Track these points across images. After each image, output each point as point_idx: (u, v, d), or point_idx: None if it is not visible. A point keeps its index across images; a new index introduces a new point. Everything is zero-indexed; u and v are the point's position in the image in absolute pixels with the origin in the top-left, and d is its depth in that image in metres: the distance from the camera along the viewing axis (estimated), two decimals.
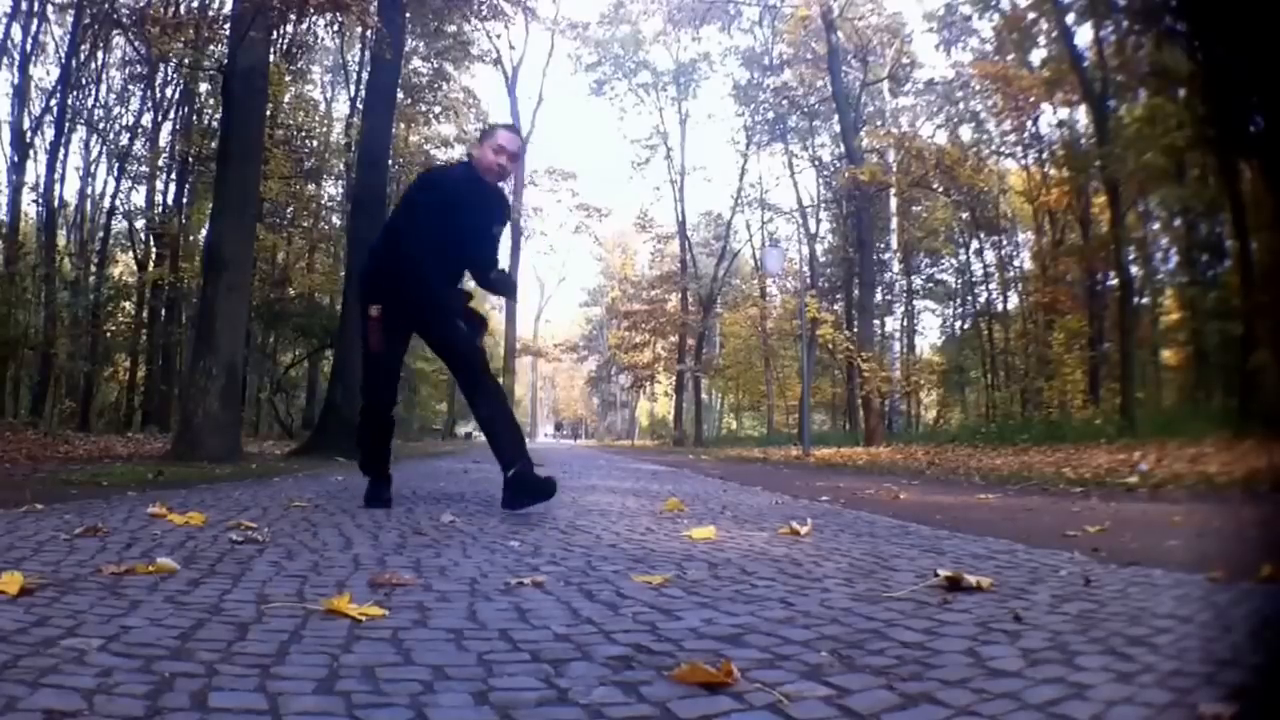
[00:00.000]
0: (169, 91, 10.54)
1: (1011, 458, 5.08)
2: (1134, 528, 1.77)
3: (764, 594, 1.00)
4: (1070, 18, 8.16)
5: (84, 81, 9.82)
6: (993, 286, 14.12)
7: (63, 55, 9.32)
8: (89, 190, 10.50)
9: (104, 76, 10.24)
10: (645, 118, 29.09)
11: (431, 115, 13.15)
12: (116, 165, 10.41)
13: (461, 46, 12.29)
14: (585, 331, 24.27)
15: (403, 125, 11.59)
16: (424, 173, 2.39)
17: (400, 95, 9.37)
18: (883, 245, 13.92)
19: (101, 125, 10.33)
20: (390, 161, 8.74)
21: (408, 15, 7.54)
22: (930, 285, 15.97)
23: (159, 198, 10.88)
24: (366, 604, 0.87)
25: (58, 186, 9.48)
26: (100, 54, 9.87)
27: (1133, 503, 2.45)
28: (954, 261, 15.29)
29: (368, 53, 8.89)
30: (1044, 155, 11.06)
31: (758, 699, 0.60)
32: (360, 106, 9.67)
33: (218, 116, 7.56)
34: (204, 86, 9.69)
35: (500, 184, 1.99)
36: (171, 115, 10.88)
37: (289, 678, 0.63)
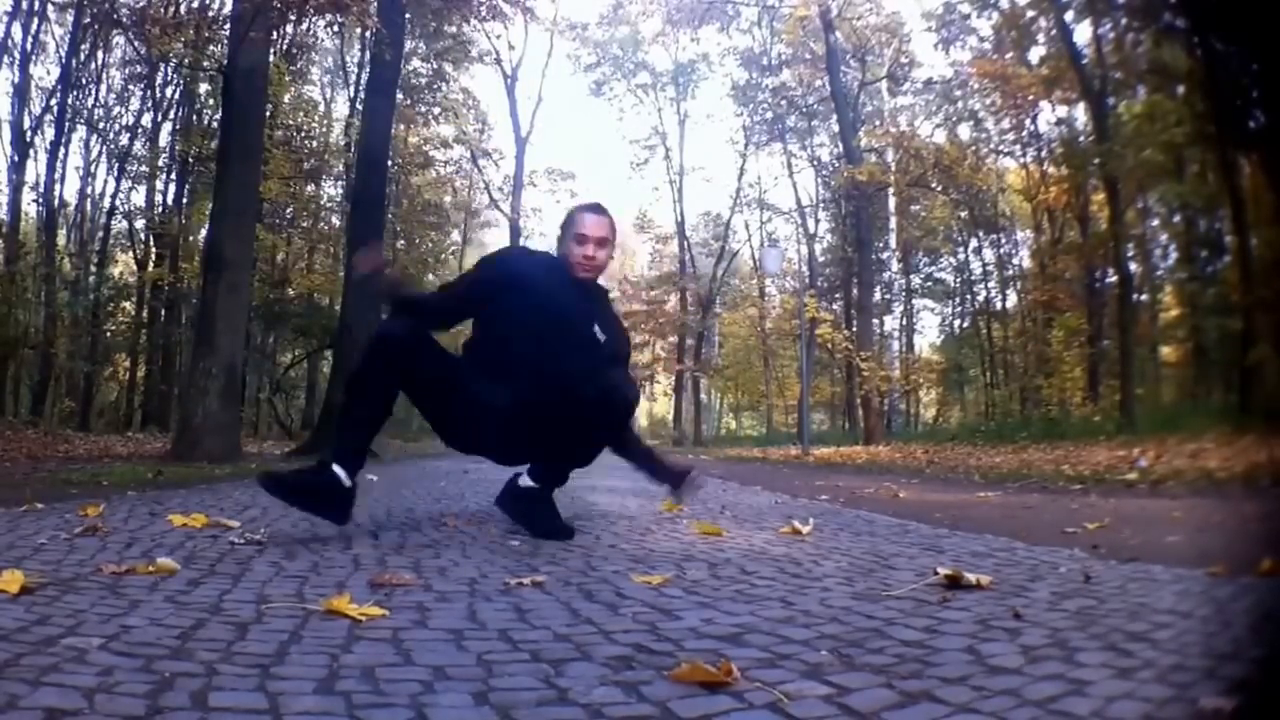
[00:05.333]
0: (169, 91, 10.53)
1: (1011, 455, 5.09)
2: (1133, 524, 1.76)
3: (764, 593, 1.00)
4: (1069, 15, 8.17)
5: (84, 81, 9.80)
6: (992, 285, 14.14)
7: (63, 55, 9.30)
8: (89, 190, 10.51)
9: (104, 76, 10.24)
10: (644, 118, 29.05)
11: (431, 116, 13.14)
12: (117, 165, 10.40)
13: (461, 47, 12.28)
14: None
15: (402, 126, 11.57)
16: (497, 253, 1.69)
17: (400, 96, 9.36)
18: (881, 244, 13.92)
19: (102, 125, 10.32)
20: (390, 162, 8.73)
21: (407, 15, 7.53)
22: (929, 284, 15.97)
23: (159, 198, 10.87)
24: (366, 604, 0.87)
25: (58, 186, 9.48)
26: (100, 54, 9.86)
27: (1132, 499, 2.45)
28: (953, 260, 15.30)
29: (367, 53, 8.88)
30: (1043, 153, 11.07)
31: (758, 698, 0.60)
32: (360, 107, 9.66)
33: (218, 117, 7.54)
34: (204, 87, 9.67)
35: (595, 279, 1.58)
36: (172, 115, 10.86)
37: (289, 678, 0.63)
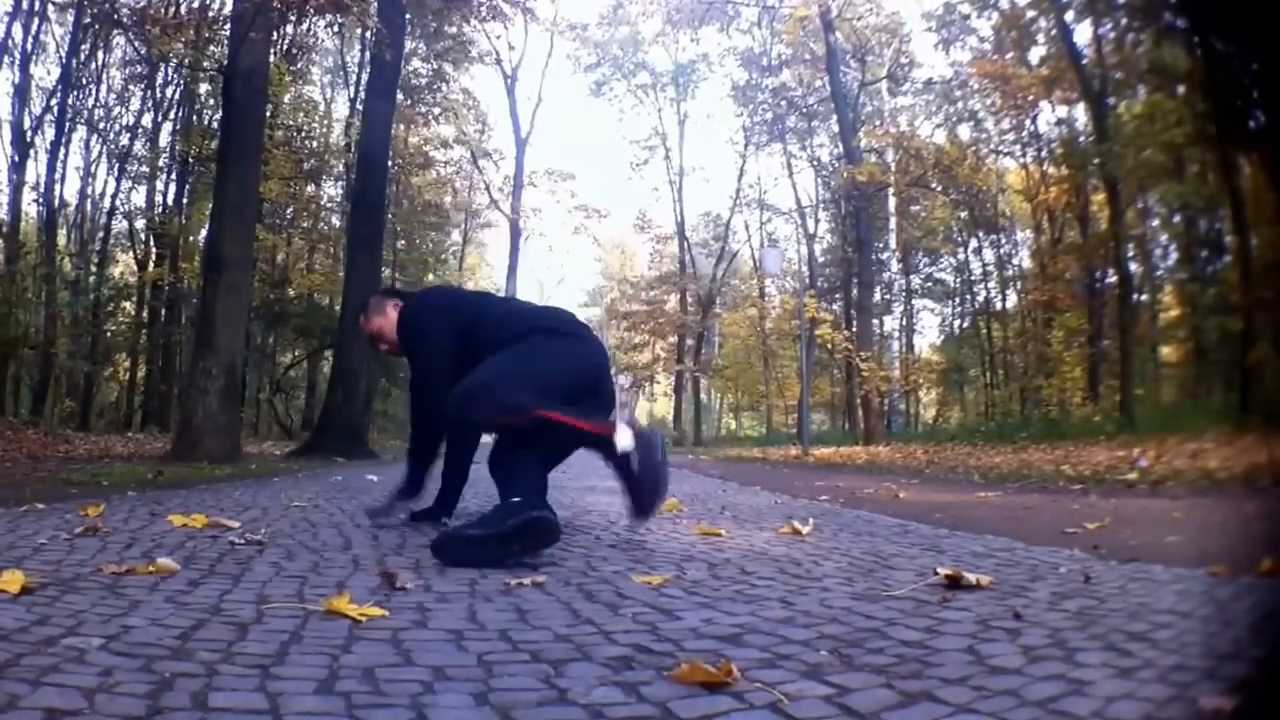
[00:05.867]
0: (169, 92, 10.54)
1: (1011, 456, 5.09)
2: (1134, 524, 1.77)
3: (764, 594, 1.00)
4: (1069, 15, 8.18)
5: (84, 81, 9.80)
6: (991, 285, 14.13)
7: (63, 55, 9.30)
8: (89, 190, 10.51)
9: (104, 76, 10.24)
10: (644, 118, 29.18)
11: (431, 116, 13.16)
12: (117, 165, 10.41)
13: (461, 47, 12.30)
14: None
15: (402, 126, 11.59)
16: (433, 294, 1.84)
17: (400, 96, 9.37)
18: (881, 245, 13.92)
19: (102, 125, 10.32)
20: (390, 162, 8.74)
21: (407, 16, 7.54)
22: (929, 284, 15.97)
23: (159, 198, 10.88)
24: (366, 604, 0.87)
25: (58, 186, 9.47)
26: (101, 54, 9.86)
27: (1132, 499, 2.45)
28: (953, 260, 15.29)
29: (368, 53, 8.89)
30: (1043, 153, 11.07)
31: (758, 698, 0.60)
32: (360, 107, 9.67)
33: (218, 117, 7.55)
34: (204, 87, 9.68)
35: None
36: (172, 115, 10.87)
37: (289, 678, 0.63)
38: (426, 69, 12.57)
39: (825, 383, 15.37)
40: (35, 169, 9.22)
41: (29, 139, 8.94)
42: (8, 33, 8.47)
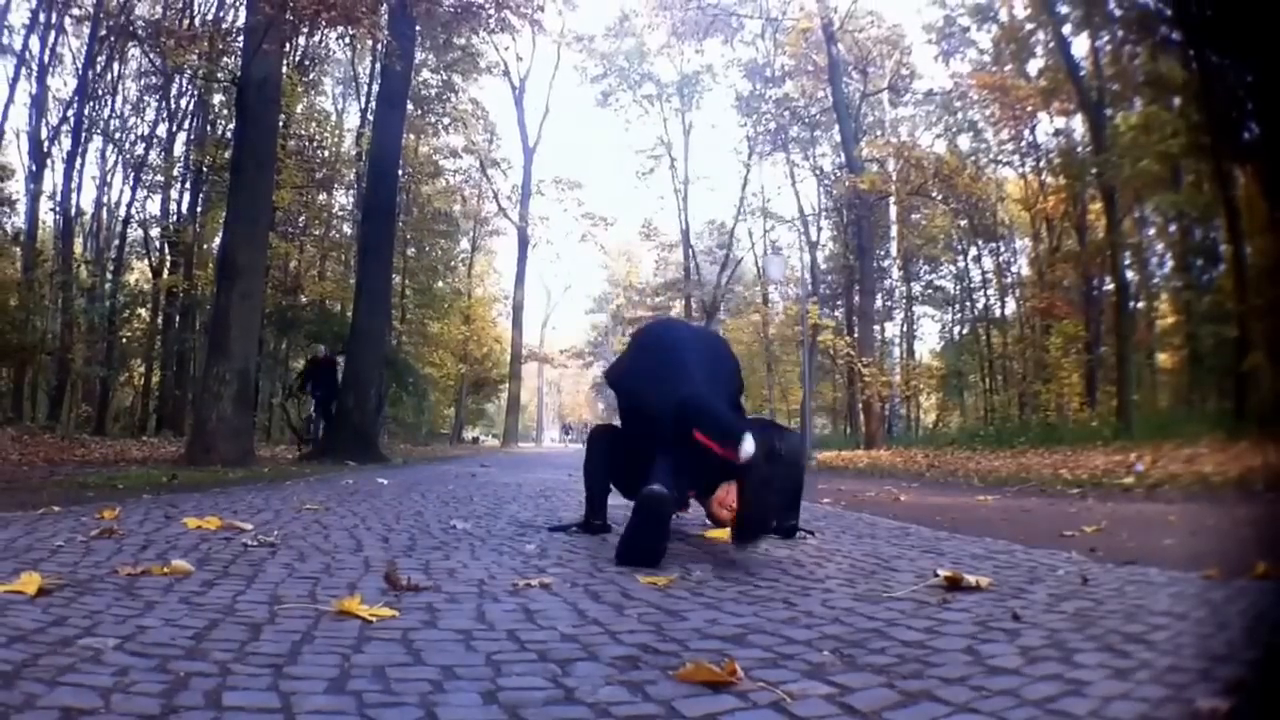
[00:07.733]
0: (184, 102, 10.70)
1: (1010, 460, 5.08)
2: (1130, 527, 1.77)
3: (767, 594, 1.01)
4: (1067, 28, 8.26)
5: (100, 92, 9.97)
6: (991, 292, 14.10)
7: (80, 66, 9.50)
8: (105, 199, 10.64)
9: (120, 87, 10.41)
10: (649, 128, 29.57)
11: (440, 126, 13.35)
12: (132, 174, 10.56)
13: (470, 58, 12.50)
14: (591, 338, 24.36)
15: (412, 136, 11.74)
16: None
17: (410, 106, 9.52)
18: (883, 252, 13.96)
19: (118, 135, 10.48)
20: (400, 171, 8.86)
21: (417, 28, 7.70)
22: (929, 291, 15.93)
23: (174, 206, 11.01)
24: (377, 605, 0.88)
25: (75, 195, 9.58)
26: (116, 65, 10.05)
27: (1129, 503, 2.46)
28: (953, 268, 15.27)
29: (378, 65, 9.05)
30: (1041, 163, 11.11)
31: (761, 697, 0.61)
32: (370, 117, 9.84)
33: (231, 127, 7.68)
34: (218, 98, 9.85)
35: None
36: (186, 126, 11.04)
37: (301, 677, 0.64)
38: (436, 80, 12.76)
39: (827, 388, 15.32)
40: (52, 178, 9.37)
41: (46, 149, 9.10)
42: (25, 45, 8.67)
